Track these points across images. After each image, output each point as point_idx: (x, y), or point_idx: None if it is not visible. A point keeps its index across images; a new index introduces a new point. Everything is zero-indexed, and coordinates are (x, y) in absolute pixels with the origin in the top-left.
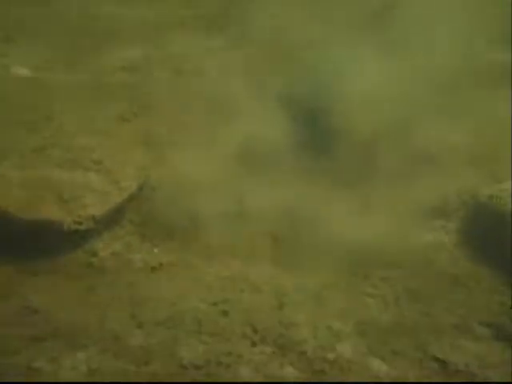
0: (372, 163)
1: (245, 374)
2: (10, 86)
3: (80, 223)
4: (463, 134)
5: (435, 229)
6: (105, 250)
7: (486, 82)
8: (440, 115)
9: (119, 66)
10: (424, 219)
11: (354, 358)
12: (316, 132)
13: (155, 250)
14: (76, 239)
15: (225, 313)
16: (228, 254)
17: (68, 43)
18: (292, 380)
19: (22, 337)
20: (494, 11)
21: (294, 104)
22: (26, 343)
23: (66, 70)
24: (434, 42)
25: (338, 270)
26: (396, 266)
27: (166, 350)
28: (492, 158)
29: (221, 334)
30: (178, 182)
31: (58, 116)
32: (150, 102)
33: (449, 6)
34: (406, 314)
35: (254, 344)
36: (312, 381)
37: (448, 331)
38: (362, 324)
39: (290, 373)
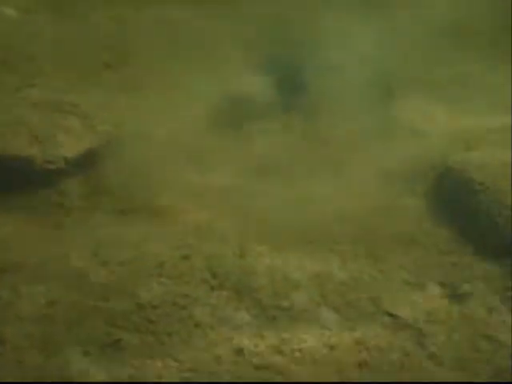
0: (344, 125)
1: (199, 315)
2: None
3: (51, 162)
4: (440, 103)
5: (402, 192)
6: (75, 192)
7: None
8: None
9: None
10: (392, 182)
11: (307, 307)
12: (291, 93)
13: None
14: (47, 178)
15: (186, 257)
16: (197, 204)
17: None
18: (244, 323)
19: None
20: None
21: (276, 64)
22: None
23: (53, 15)
24: None
25: (301, 226)
26: (358, 224)
27: (125, 289)
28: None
29: (180, 277)
30: (150, 133)
31: (39, 58)
32: (135, 50)
33: None
34: (363, 269)
35: (211, 288)
36: (267, 327)
37: (401, 287)
38: (319, 277)
39: (243, 317)
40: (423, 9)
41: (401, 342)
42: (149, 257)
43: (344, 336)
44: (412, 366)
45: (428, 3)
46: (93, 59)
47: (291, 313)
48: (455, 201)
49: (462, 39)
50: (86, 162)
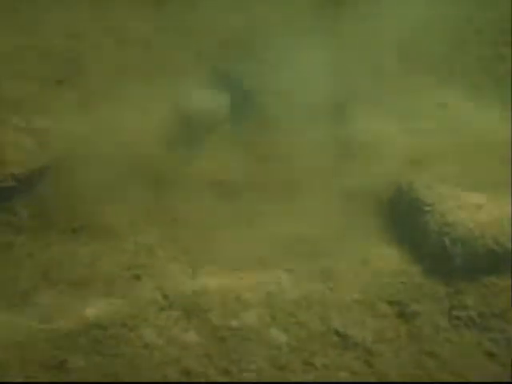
0: (295, 144)
1: (147, 336)
2: None
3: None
4: (397, 123)
5: (355, 212)
6: (25, 210)
7: None
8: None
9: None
10: (346, 202)
11: (257, 328)
12: (242, 109)
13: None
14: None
15: (137, 277)
16: (148, 224)
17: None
18: (195, 345)
19: None
20: None
21: (230, 79)
22: None
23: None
24: None
25: (254, 246)
26: (312, 243)
27: (72, 310)
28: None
29: (130, 297)
30: (101, 151)
31: None
32: (89, 66)
33: None
34: (316, 289)
35: (161, 309)
36: (214, 347)
37: (352, 307)
38: (271, 296)
39: (192, 338)
40: (373, 22)
41: (349, 362)
42: (99, 277)
43: (292, 356)
44: None
45: (377, 17)
46: (45, 74)
47: (241, 333)
48: (406, 221)
49: (411, 55)
50: (37, 180)
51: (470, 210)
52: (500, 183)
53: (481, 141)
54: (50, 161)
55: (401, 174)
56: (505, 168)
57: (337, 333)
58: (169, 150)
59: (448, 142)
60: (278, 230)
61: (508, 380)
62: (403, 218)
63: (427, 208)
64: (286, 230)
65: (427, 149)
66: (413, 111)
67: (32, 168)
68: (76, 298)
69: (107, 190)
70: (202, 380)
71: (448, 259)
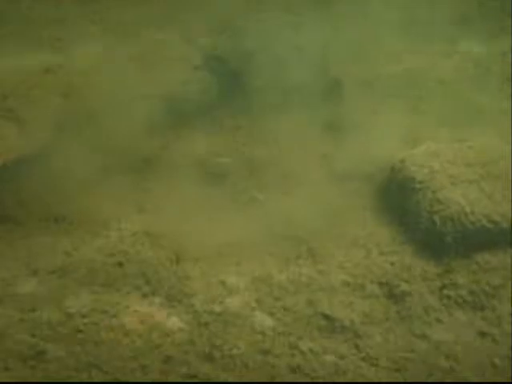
0: (289, 125)
1: (128, 323)
2: None
3: None
4: (388, 100)
5: (348, 192)
6: (7, 200)
7: None
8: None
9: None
10: (339, 183)
11: (241, 312)
12: (234, 92)
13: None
14: None
15: (120, 264)
16: (134, 211)
17: None
18: (177, 331)
19: None
20: None
21: (218, 63)
22: None
23: None
24: None
25: (243, 230)
26: (301, 226)
27: (53, 299)
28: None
29: (112, 284)
30: (87, 138)
31: None
32: (77, 54)
33: None
34: (304, 272)
35: (144, 295)
36: (197, 333)
37: (340, 289)
38: (257, 280)
39: (174, 323)
40: (372, 4)
41: (336, 345)
42: (81, 264)
43: (278, 341)
44: (347, 369)
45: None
46: (33, 63)
47: (224, 318)
48: (399, 200)
49: (411, 33)
50: (18, 169)
51: (462, 186)
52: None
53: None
54: (32, 150)
55: (397, 153)
56: None
57: (324, 316)
58: (154, 134)
59: (447, 121)
60: (266, 214)
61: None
62: (395, 197)
63: (418, 186)
64: (275, 214)
65: (425, 128)
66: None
67: (12, 156)
68: (57, 286)
69: (91, 179)
70: (183, 368)
71: (439, 237)
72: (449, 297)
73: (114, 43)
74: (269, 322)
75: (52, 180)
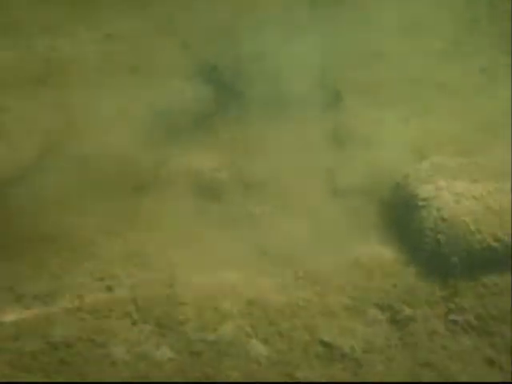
0: (288, 135)
1: (116, 353)
2: None
3: None
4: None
5: (349, 209)
6: None
7: None
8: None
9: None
10: (340, 198)
11: (235, 340)
12: (230, 102)
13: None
14: None
15: (109, 288)
16: (126, 231)
17: None
18: (165, 361)
19: None
20: None
21: (217, 71)
22: None
23: None
24: None
25: (240, 247)
26: (299, 246)
27: (38, 327)
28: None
29: (101, 311)
30: (80, 153)
31: None
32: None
33: None
34: (301, 295)
35: (134, 322)
36: (190, 363)
37: (340, 314)
38: (252, 304)
39: (164, 353)
40: (370, 9)
41: (335, 374)
42: (68, 289)
43: (273, 370)
44: None
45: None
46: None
47: (217, 347)
48: (403, 218)
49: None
50: (7, 184)
51: (467, 203)
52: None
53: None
54: (22, 164)
55: (401, 166)
56: None
57: (322, 343)
58: (149, 147)
59: (452, 130)
60: (264, 232)
61: (508, 381)
62: (399, 214)
63: (422, 203)
64: (272, 231)
65: (430, 139)
66: (413, 97)
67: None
68: (42, 313)
69: (82, 196)
70: None
71: (444, 258)
72: (455, 322)
73: (108, 50)
74: (263, 350)
75: (39, 198)
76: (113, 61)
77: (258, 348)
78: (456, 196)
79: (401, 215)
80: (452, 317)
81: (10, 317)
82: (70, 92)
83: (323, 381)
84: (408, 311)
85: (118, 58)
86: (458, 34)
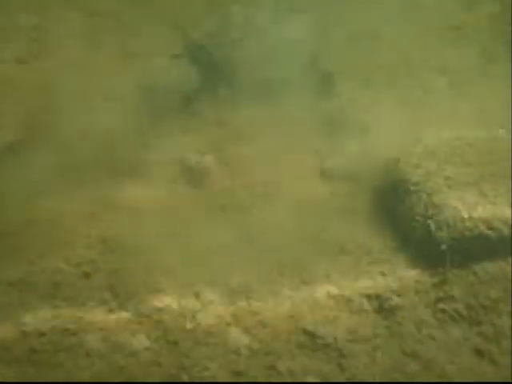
0: (279, 118)
1: (90, 342)
2: None
3: None
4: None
5: (339, 194)
6: None
7: None
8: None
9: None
10: (330, 183)
11: (214, 329)
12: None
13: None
14: None
15: (86, 275)
16: (106, 216)
17: None
18: (142, 350)
19: None
20: None
21: (204, 51)
22: None
23: None
24: None
25: (223, 233)
26: (286, 232)
27: (11, 314)
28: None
29: (77, 298)
30: (63, 134)
31: None
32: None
33: None
34: (285, 282)
35: (111, 310)
36: (165, 352)
37: (324, 302)
38: (234, 292)
39: (140, 342)
40: None
41: (318, 365)
42: (44, 275)
43: (253, 361)
44: None
45: None
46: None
47: (195, 336)
48: (392, 203)
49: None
50: None
51: (459, 188)
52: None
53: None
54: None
55: (394, 150)
56: None
57: (305, 332)
58: (134, 129)
59: (449, 114)
60: (248, 218)
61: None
62: (388, 200)
63: (412, 188)
64: (257, 218)
65: (426, 123)
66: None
67: None
68: (16, 300)
69: (63, 178)
70: None
71: (434, 245)
72: (444, 311)
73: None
74: (244, 339)
75: (17, 181)
76: (98, 40)
77: (238, 336)
78: (448, 181)
79: (390, 200)
80: (441, 306)
81: None
82: (53, 72)
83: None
84: (395, 300)
85: (104, 37)
86: (458, 15)
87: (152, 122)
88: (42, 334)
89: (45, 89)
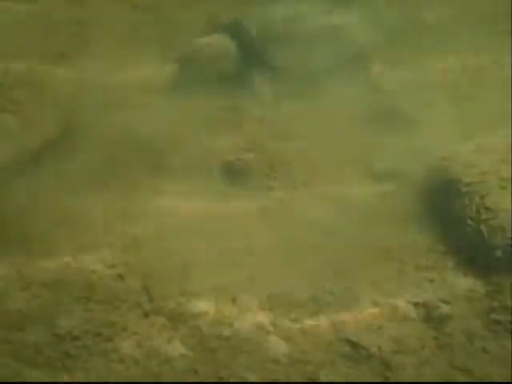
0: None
1: (124, 347)
2: None
3: None
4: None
5: (384, 193)
6: (11, 201)
7: None
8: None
9: None
10: (374, 181)
11: (252, 336)
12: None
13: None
14: None
15: (121, 277)
16: (141, 210)
17: None
18: (178, 358)
19: None
20: None
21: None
22: None
23: None
24: None
25: (263, 233)
26: (330, 235)
27: (44, 317)
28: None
29: (111, 301)
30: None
31: None
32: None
33: None
34: (328, 287)
35: (145, 314)
36: (202, 360)
37: (368, 310)
38: (274, 297)
39: (176, 349)
40: None
41: (362, 377)
42: (79, 276)
43: (293, 371)
44: None
45: None
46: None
47: (233, 343)
48: (441, 204)
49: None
50: (26, 167)
51: None
52: None
53: None
54: (39, 145)
55: (442, 147)
56: None
57: (348, 342)
58: (173, 124)
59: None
60: (289, 218)
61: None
62: (439, 200)
63: (464, 189)
64: (299, 218)
65: (475, 117)
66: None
67: (21, 154)
68: (50, 302)
69: (98, 176)
70: None
71: (486, 251)
72: (497, 322)
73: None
74: (284, 348)
75: (54, 179)
76: (139, 33)
77: (277, 345)
78: (502, 182)
79: (440, 202)
80: (494, 316)
81: (17, 305)
82: (93, 65)
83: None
84: (445, 309)
85: (145, 31)
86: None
87: (191, 117)
88: (75, 338)
89: (85, 84)
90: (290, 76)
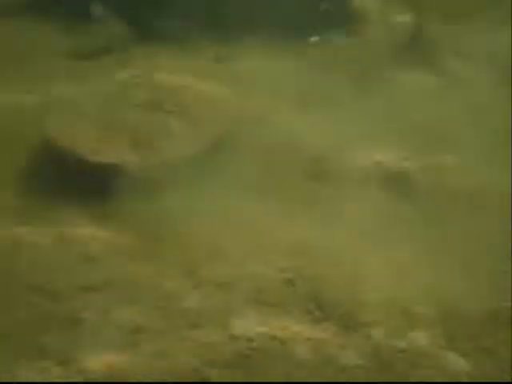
0: None
1: (300, 352)
2: None
3: (148, 170)
4: None
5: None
6: (177, 201)
7: None
8: None
9: None
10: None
11: (429, 350)
12: None
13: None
14: (144, 187)
15: (290, 282)
16: (306, 216)
17: None
18: (354, 368)
19: (73, 285)
20: None
21: None
22: (75, 292)
23: None
24: None
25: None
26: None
27: (218, 316)
28: None
29: (280, 305)
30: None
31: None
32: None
33: None
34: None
35: (316, 321)
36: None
37: None
38: (446, 308)
39: (350, 358)
40: None
41: None
42: (249, 279)
43: None
44: None
45: None
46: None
47: (410, 357)
48: None
49: None
50: (190, 169)
51: None
52: None
53: None
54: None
55: None
56: None
57: None
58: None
59: None
60: (453, 231)
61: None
62: None
63: None
64: (463, 231)
65: None
66: None
67: (185, 156)
68: (221, 304)
69: (260, 180)
70: None
71: None
72: None
73: None
74: (464, 365)
75: (213, 185)
76: None
77: (456, 361)
78: None
79: None
80: None
81: (191, 303)
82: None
83: None
84: None
85: None
86: None
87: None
88: (250, 340)
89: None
90: None
